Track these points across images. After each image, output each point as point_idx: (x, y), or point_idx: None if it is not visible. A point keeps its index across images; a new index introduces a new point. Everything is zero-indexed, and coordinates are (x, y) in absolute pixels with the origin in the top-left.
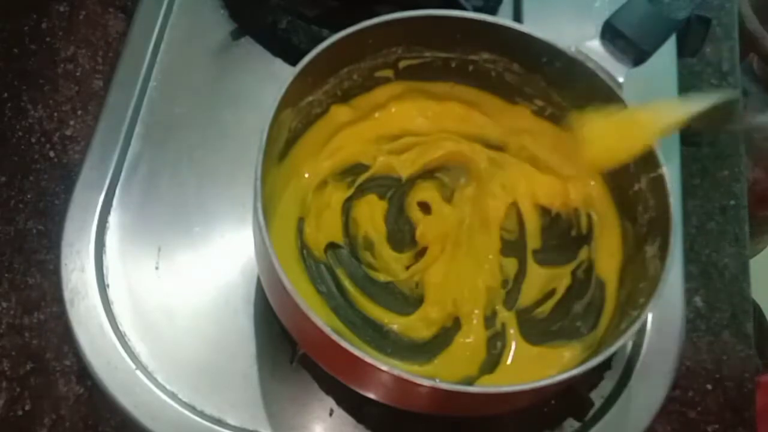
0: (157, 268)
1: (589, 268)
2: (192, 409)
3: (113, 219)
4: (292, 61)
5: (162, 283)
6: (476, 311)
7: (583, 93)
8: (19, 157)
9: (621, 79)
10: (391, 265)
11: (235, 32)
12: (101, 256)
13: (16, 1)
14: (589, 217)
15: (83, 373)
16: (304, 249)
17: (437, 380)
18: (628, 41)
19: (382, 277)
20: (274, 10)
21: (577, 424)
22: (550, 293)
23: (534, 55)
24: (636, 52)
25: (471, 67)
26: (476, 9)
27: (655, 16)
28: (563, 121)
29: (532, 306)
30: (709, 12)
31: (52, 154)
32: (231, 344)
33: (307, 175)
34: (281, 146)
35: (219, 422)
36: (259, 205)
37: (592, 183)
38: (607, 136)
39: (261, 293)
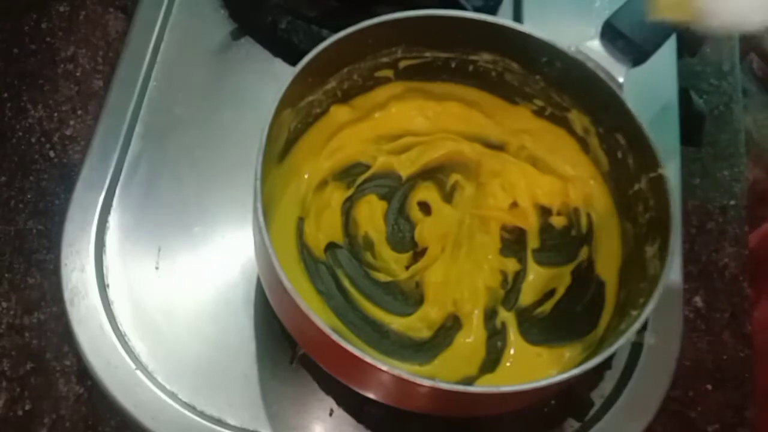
0: (157, 268)
1: (589, 268)
2: (192, 409)
3: (113, 219)
4: (292, 61)
5: (162, 283)
6: (476, 311)
7: (583, 93)
8: (19, 157)
9: (621, 79)
10: (391, 265)
11: (235, 32)
12: (101, 256)
13: (16, 1)
14: (589, 217)
15: (83, 373)
16: (304, 249)
17: (437, 380)
18: (628, 41)
19: (382, 277)
20: (274, 10)
21: (577, 424)
22: (550, 293)
23: (534, 55)
24: (636, 52)
25: (471, 67)
26: (476, 9)
27: None
28: (563, 121)
29: (532, 306)
30: None
31: (52, 154)
32: (231, 344)
33: (307, 175)
34: (281, 146)
35: (219, 422)
36: (259, 205)
37: (592, 183)
38: None
39: (261, 293)
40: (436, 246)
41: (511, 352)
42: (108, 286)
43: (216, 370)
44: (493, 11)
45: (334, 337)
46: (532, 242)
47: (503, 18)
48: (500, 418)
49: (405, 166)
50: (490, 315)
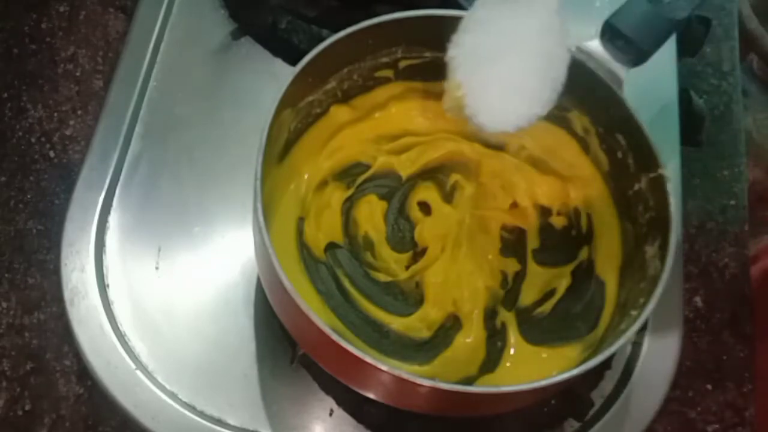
0: (157, 268)
1: (589, 268)
2: (192, 409)
3: (113, 219)
4: (292, 61)
5: (162, 283)
6: (476, 311)
7: (583, 93)
8: (19, 157)
9: (621, 79)
10: (391, 265)
11: (235, 32)
12: (101, 256)
13: (16, 1)
14: (589, 217)
15: (83, 373)
16: (304, 249)
17: (437, 380)
18: (628, 41)
19: (382, 277)
20: (274, 10)
21: (577, 424)
22: (550, 293)
23: None
24: (636, 52)
25: None
26: None
27: (655, 16)
28: (563, 121)
29: (532, 306)
30: (709, 12)
31: (52, 154)
32: (231, 344)
33: (307, 175)
34: (281, 146)
35: (219, 422)
36: (259, 205)
37: (592, 183)
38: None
39: (261, 293)
40: (436, 246)
41: (511, 352)
42: (108, 286)
43: (216, 370)
44: None
45: (334, 337)
46: (532, 242)
47: None
48: (500, 418)
49: (405, 166)
50: (490, 315)
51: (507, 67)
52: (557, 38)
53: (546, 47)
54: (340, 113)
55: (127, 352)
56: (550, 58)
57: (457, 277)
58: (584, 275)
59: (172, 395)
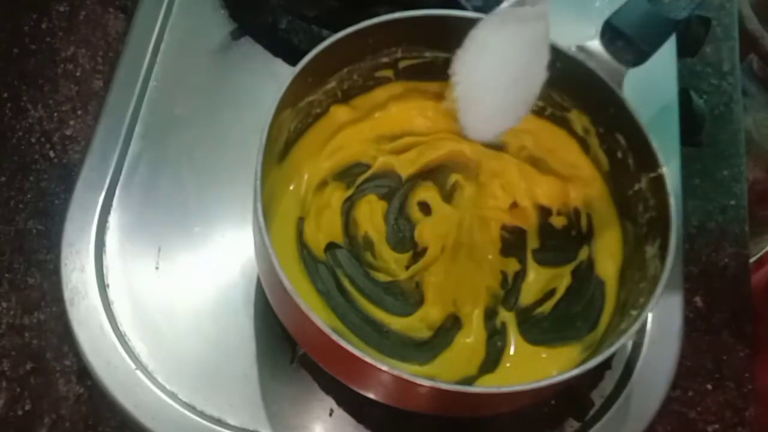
0: (157, 268)
1: (589, 268)
2: (192, 409)
3: (113, 219)
4: (292, 61)
5: (162, 283)
6: (476, 311)
7: (583, 93)
8: (19, 157)
9: (621, 79)
10: (391, 265)
11: (235, 32)
12: (101, 256)
13: (16, 1)
14: (589, 217)
15: (83, 373)
16: (304, 249)
17: (437, 380)
18: (628, 41)
19: (382, 277)
20: (274, 10)
21: (577, 424)
22: (550, 293)
23: None
24: (636, 52)
25: None
26: (476, 9)
27: (655, 16)
28: (563, 121)
29: (532, 306)
30: (709, 12)
31: (52, 154)
32: (231, 344)
33: (307, 175)
34: (281, 146)
35: (219, 422)
36: (259, 205)
37: (592, 183)
38: None
39: (261, 293)
40: (436, 246)
41: (511, 352)
42: (108, 286)
43: (216, 370)
44: None
45: (334, 337)
46: (532, 242)
47: None
48: (500, 418)
49: (405, 166)
50: (490, 315)
51: (496, 87)
52: (542, 61)
53: (531, 70)
54: (340, 113)
55: (127, 352)
56: (533, 79)
57: (457, 277)
58: (584, 275)
59: (172, 395)
